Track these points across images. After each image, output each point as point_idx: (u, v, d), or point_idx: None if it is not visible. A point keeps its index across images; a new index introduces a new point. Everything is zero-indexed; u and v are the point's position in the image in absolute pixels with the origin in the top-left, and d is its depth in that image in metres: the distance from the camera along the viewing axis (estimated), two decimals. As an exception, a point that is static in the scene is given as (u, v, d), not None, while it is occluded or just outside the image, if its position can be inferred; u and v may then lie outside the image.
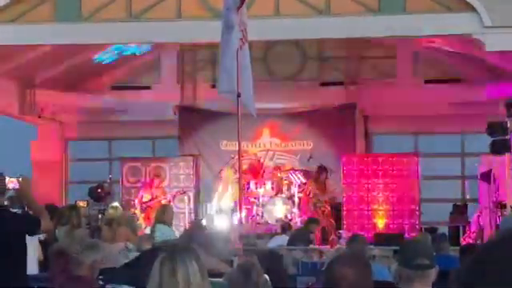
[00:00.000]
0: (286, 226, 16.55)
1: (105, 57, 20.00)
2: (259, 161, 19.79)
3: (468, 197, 20.53)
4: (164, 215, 11.50)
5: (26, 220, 6.80)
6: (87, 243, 6.96)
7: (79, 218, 11.09)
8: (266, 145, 20.38)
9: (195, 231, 6.10)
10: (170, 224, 11.60)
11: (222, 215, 18.36)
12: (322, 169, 18.22)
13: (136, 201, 18.58)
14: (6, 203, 7.01)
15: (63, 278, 6.74)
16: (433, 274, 4.67)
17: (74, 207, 12.03)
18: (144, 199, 18.30)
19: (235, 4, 8.65)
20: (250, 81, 9.34)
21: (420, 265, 4.45)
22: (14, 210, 7.27)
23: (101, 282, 6.95)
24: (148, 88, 21.43)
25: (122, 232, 11.52)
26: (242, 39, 8.50)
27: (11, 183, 6.63)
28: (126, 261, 8.81)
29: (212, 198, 19.51)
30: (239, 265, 5.00)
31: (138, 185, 19.49)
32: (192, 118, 20.96)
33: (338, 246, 13.56)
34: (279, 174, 19.41)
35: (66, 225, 10.89)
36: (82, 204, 17.64)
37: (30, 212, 7.08)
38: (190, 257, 4.00)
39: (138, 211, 17.76)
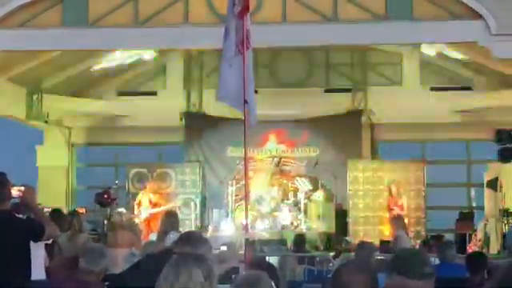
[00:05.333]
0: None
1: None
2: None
3: (474, 204, 20.49)
4: (174, 222, 11.47)
5: (30, 226, 6.79)
6: (95, 251, 6.93)
7: (80, 224, 11.17)
8: (272, 151, 20.36)
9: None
10: (178, 231, 11.56)
11: (229, 221, 18.36)
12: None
13: (135, 206, 18.48)
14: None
15: (71, 285, 6.73)
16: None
17: (74, 213, 12.12)
18: (143, 205, 18.24)
19: (236, 8, 8.58)
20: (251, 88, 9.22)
21: (428, 274, 4.36)
22: (19, 215, 7.25)
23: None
24: (154, 94, 21.44)
25: (127, 237, 11.54)
26: (241, 44, 8.41)
27: (14, 191, 6.63)
28: (131, 266, 8.81)
29: (218, 204, 19.51)
30: (247, 273, 4.97)
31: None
32: (198, 124, 20.96)
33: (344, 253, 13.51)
34: (285, 181, 19.41)
35: (67, 231, 10.99)
36: (80, 211, 17.59)
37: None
38: (195, 264, 3.99)
39: (137, 217, 17.67)
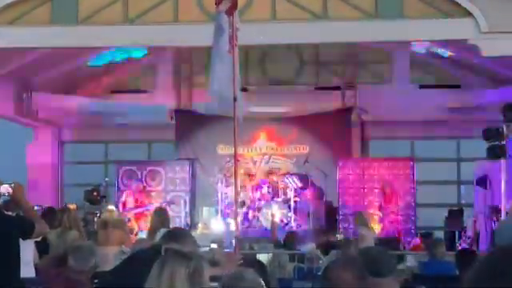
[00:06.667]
0: None
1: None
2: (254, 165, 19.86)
3: (464, 202, 20.53)
4: (164, 220, 11.47)
5: (20, 223, 6.79)
6: (84, 249, 6.92)
7: (70, 221, 11.17)
8: (262, 149, 20.37)
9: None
10: (168, 228, 11.55)
11: (218, 219, 18.37)
12: None
13: (120, 205, 18.43)
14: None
15: (60, 283, 6.72)
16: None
17: (65, 210, 12.10)
18: (128, 205, 18.21)
19: (224, 4, 8.59)
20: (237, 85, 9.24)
21: (397, 269, 4.35)
22: (9, 213, 7.25)
23: (95, 286, 6.93)
24: (144, 92, 21.40)
25: (117, 235, 11.52)
26: (231, 42, 8.43)
27: (3, 189, 6.62)
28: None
29: (208, 201, 19.52)
30: (236, 271, 4.97)
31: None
32: (188, 122, 20.93)
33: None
34: (275, 178, 19.42)
35: (57, 227, 10.97)
36: (71, 207, 17.57)
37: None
38: (183, 261, 3.99)
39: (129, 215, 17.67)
